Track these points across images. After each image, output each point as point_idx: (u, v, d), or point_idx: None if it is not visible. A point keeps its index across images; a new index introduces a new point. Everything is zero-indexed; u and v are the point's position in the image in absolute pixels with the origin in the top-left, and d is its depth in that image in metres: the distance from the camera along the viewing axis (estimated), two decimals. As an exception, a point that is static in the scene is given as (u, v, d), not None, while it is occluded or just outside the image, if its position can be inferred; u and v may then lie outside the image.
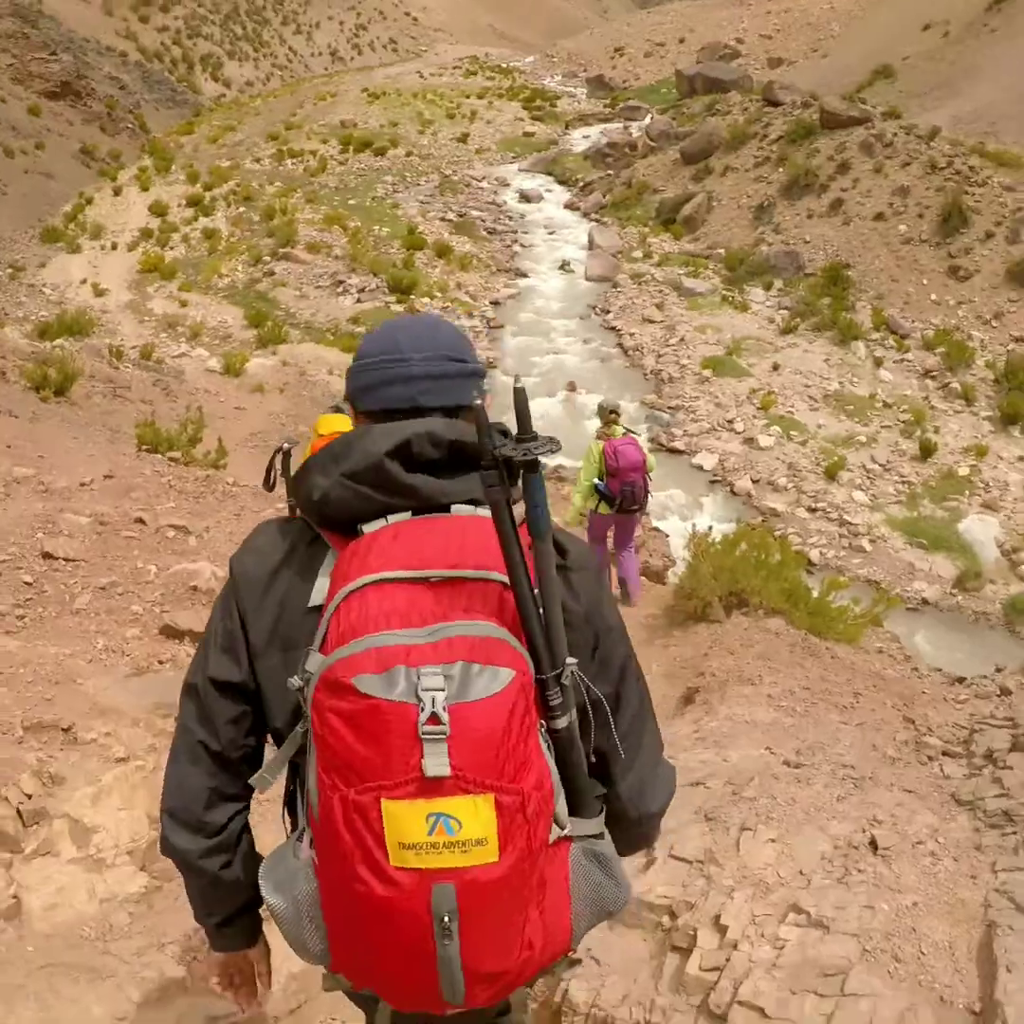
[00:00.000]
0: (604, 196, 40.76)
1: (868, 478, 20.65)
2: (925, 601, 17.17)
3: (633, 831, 2.01)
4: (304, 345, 24.57)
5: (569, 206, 41.37)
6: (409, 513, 1.76)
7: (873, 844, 3.70)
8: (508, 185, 45.28)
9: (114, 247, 34.54)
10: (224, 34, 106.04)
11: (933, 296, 27.92)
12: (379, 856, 1.55)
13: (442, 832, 1.53)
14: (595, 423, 10.43)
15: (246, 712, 1.87)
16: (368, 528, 1.75)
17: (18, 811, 4.18)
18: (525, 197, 42.71)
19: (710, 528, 10.78)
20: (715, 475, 20.75)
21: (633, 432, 9.67)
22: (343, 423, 4.12)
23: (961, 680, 9.03)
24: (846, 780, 4.45)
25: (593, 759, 1.85)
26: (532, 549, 1.69)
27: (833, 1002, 2.90)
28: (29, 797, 4.28)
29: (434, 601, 1.64)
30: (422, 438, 1.77)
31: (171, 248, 34.18)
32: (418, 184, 43.16)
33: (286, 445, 2.33)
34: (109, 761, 4.78)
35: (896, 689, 7.36)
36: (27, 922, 3.82)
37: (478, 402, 1.65)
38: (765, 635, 8.08)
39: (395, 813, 1.54)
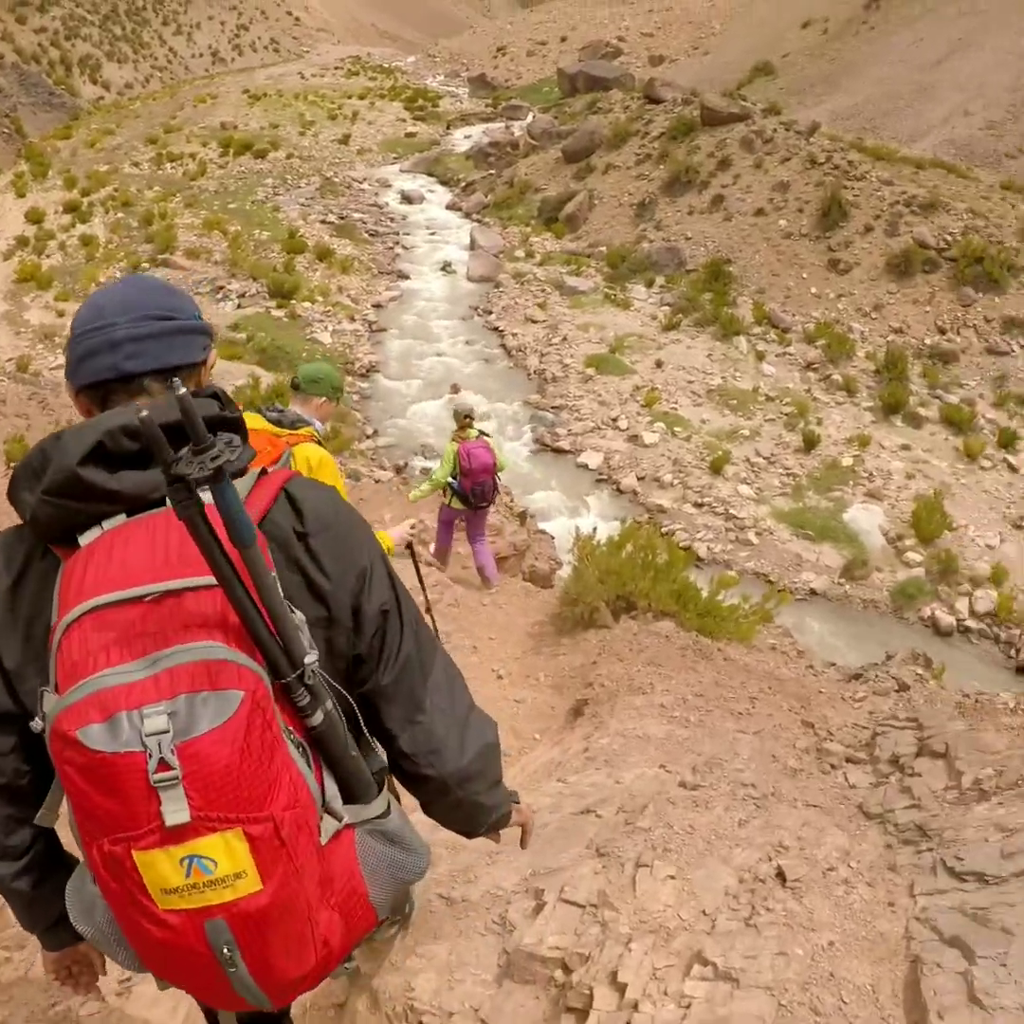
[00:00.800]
0: (486, 196, 40.47)
1: (753, 471, 20.71)
2: (813, 591, 17.31)
3: (446, 798, 1.91)
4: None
5: (451, 207, 40.98)
6: (124, 515, 1.62)
7: (781, 875, 3.37)
8: (390, 186, 44.80)
9: (-11, 256, 33.29)
10: (103, 35, 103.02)
11: (814, 290, 28.16)
12: (145, 902, 1.51)
13: (199, 873, 1.48)
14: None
15: (19, 741, 1.74)
16: (84, 539, 1.61)
17: None
18: (407, 198, 42.25)
19: (595, 529, 10.56)
20: (600, 474, 20.69)
21: (486, 435, 10.07)
22: (252, 420, 3.75)
23: (858, 676, 8.87)
24: (747, 800, 4.13)
25: (354, 742, 1.76)
26: (242, 558, 1.53)
27: (747, 1074, 2.55)
28: None
29: (151, 623, 1.51)
30: (116, 435, 1.59)
31: (48, 256, 33.06)
32: (299, 187, 42.52)
33: None
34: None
35: (792, 690, 7.13)
36: None
37: (144, 414, 1.42)
38: (655, 639, 7.79)
39: (149, 862, 1.48)
